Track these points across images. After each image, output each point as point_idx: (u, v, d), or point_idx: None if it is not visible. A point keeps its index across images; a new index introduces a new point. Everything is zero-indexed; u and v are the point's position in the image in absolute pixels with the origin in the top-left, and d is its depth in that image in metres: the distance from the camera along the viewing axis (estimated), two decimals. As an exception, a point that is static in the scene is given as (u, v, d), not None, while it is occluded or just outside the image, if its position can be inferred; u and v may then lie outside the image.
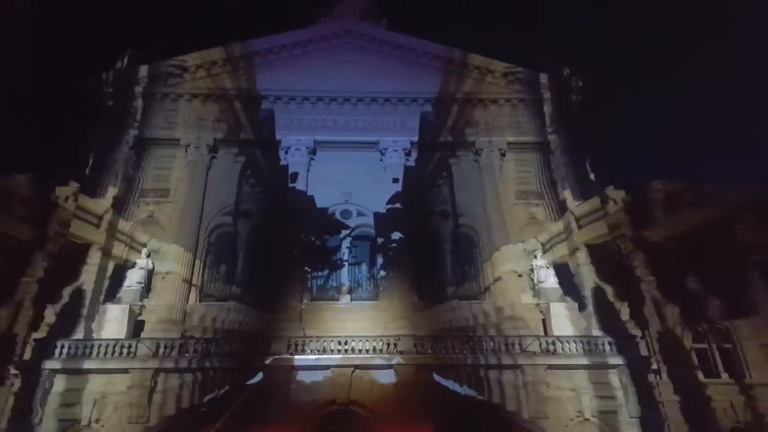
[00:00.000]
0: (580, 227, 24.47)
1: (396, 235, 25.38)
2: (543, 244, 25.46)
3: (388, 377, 20.48)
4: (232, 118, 27.73)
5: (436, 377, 20.50)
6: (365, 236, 26.61)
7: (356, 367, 20.47)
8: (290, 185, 26.41)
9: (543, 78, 29.22)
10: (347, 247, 26.19)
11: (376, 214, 26.13)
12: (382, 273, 25.04)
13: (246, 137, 27.46)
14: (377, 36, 30.36)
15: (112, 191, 24.43)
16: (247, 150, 27.41)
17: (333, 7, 31.97)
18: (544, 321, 23.21)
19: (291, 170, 26.75)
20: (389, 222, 25.77)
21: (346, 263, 25.81)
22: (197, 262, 24.51)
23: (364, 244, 26.59)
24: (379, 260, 25.48)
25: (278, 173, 26.82)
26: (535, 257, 24.61)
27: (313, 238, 25.91)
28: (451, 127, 28.27)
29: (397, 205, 26.14)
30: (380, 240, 25.71)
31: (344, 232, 26.43)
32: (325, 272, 25.81)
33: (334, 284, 25.42)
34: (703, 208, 24.96)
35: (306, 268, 25.22)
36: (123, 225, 24.32)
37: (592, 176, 25.91)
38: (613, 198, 26.50)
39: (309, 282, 25.23)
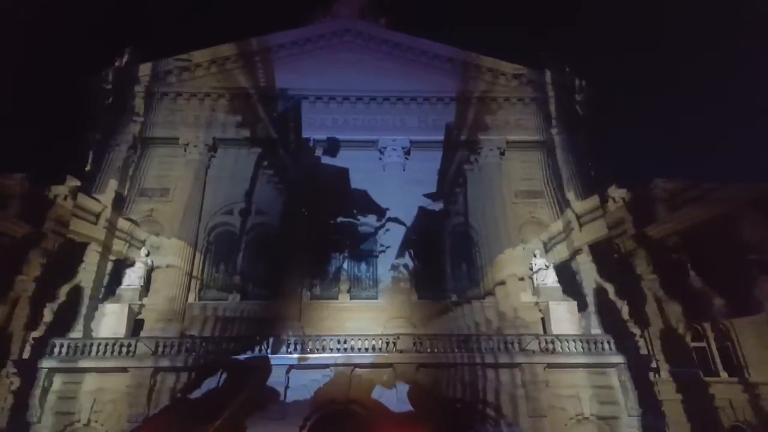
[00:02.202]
0: (581, 226, 24.39)
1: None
2: (545, 243, 25.38)
3: (387, 376, 20.40)
4: (231, 116, 27.66)
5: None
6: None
7: (356, 366, 20.47)
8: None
9: (544, 77, 29.14)
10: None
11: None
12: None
13: (246, 136, 27.35)
14: (376, 35, 30.32)
15: (111, 188, 24.40)
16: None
17: (332, 6, 31.96)
18: (543, 320, 23.20)
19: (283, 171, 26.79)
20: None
21: (379, 252, 25.44)
22: (197, 258, 24.52)
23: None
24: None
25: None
26: (535, 256, 24.56)
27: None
28: (450, 126, 28.22)
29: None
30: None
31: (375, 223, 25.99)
32: (334, 263, 25.59)
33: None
34: (705, 206, 24.98)
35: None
36: (122, 223, 24.29)
37: (593, 174, 25.89)
38: (614, 196, 26.66)
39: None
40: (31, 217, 22.83)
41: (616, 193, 27.05)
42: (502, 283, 23.83)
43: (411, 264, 24.83)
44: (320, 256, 25.46)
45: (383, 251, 25.17)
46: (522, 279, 24.26)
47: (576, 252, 23.99)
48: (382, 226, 25.58)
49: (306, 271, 24.80)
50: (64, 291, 21.43)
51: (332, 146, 27.14)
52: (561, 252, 24.81)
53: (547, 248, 25.30)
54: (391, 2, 33.59)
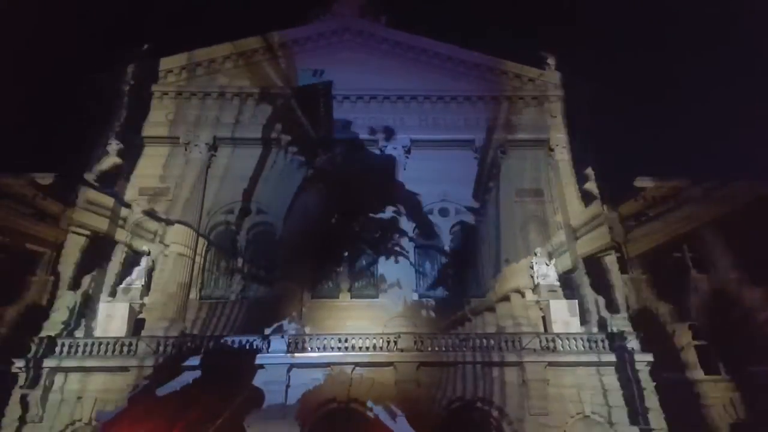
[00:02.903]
0: (584, 234, 24.28)
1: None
2: (552, 252, 24.90)
3: (388, 375, 20.45)
4: (232, 115, 27.60)
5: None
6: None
7: (356, 364, 20.47)
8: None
9: (545, 75, 29.09)
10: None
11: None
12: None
13: (247, 134, 27.29)
14: (376, 33, 30.32)
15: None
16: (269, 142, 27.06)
17: (332, 4, 31.93)
18: (544, 318, 23.17)
19: (286, 171, 26.66)
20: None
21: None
22: (198, 255, 24.57)
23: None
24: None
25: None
26: (536, 254, 24.46)
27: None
28: (450, 125, 28.19)
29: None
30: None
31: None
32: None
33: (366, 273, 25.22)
34: (706, 205, 25.02)
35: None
36: (125, 212, 24.39)
37: (595, 175, 25.96)
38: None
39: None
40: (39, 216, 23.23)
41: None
42: (512, 293, 23.45)
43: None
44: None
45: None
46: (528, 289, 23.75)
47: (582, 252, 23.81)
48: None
49: (310, 270, 24.71)
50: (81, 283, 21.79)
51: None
52: (565, 262, 24.37)
53: (561, 251, 24.69)
54: (391, 1, 33.59)
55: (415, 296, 24.35)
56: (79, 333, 21.29)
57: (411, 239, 25.36)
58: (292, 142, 26.92)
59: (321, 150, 26.49)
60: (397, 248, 24.89)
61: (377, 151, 27.44)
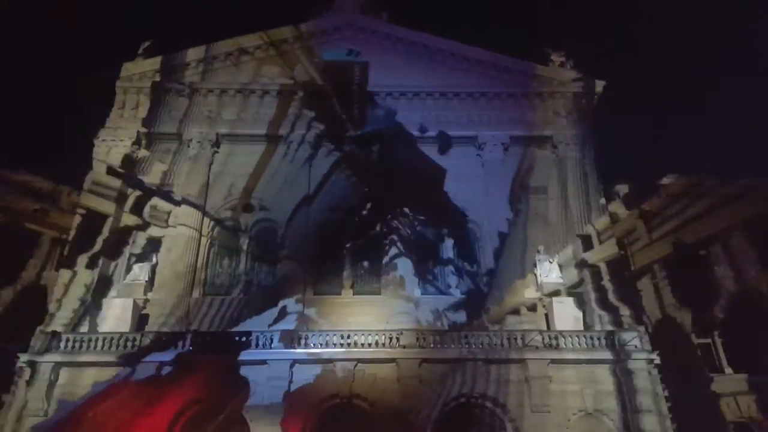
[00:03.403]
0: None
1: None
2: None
3: (390, 371, 20.47)
4: (234, 111, 27.68)
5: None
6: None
7: (359, 361, 20.50)
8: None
9: (547, 72, 29.03)
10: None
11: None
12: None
13: (249, 131, 27.36)
14: (378, 29, 30.27)
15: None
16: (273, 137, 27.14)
17: (333, 1, 31.87)
18: (546, 315, 23.17)
19: (290, 168, 26.67)
20: None
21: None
22: (201, 251, 24.72)
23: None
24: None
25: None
26: (539, 252, 24.44)
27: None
28: (453, 121, 28.15)
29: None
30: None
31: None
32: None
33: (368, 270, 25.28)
34: (715, 203, 24.74)
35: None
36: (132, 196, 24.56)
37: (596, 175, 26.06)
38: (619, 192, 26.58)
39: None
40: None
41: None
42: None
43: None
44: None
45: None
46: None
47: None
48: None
49: (311, 270, 24.73)
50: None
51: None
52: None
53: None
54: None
55: (419, 293, 24.43)
56: (84, 328, 21.39)
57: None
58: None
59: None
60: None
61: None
